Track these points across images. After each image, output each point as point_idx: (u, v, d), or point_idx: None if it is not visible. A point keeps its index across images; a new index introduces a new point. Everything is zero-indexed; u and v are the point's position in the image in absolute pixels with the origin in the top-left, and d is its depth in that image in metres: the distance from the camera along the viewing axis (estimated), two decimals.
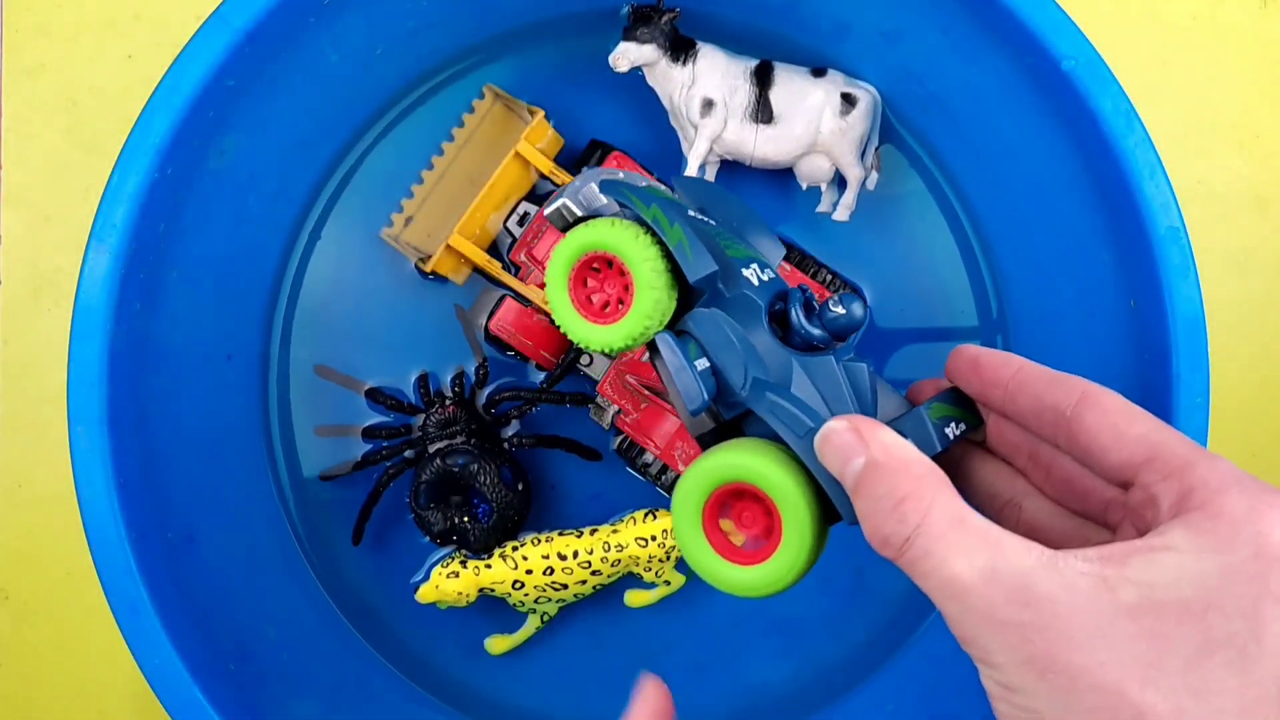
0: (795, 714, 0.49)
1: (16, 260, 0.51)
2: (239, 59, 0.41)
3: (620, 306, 0.32)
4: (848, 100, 0.47)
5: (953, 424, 0.31)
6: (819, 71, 0.47)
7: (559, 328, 0.34)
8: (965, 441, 0.33)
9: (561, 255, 0.33)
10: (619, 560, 0.47)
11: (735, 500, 0.29)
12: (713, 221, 0.33)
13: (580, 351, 0.48)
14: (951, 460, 0.33)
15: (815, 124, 0.46)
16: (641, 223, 0.32)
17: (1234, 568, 0.23)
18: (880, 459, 0.26)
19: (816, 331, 0.30)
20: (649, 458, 0.48)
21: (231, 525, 0.46)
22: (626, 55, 0.46)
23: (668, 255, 0.31)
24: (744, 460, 0.28)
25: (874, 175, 0.49)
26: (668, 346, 0.31)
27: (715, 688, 0.50)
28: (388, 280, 0.50)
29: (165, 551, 0.42)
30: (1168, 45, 0.53)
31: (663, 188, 0.35)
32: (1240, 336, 0.52)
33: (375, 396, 0.49)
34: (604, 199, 0.34)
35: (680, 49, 0.46)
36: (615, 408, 0.48)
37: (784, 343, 0.30)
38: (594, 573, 0.47)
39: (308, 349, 0.50)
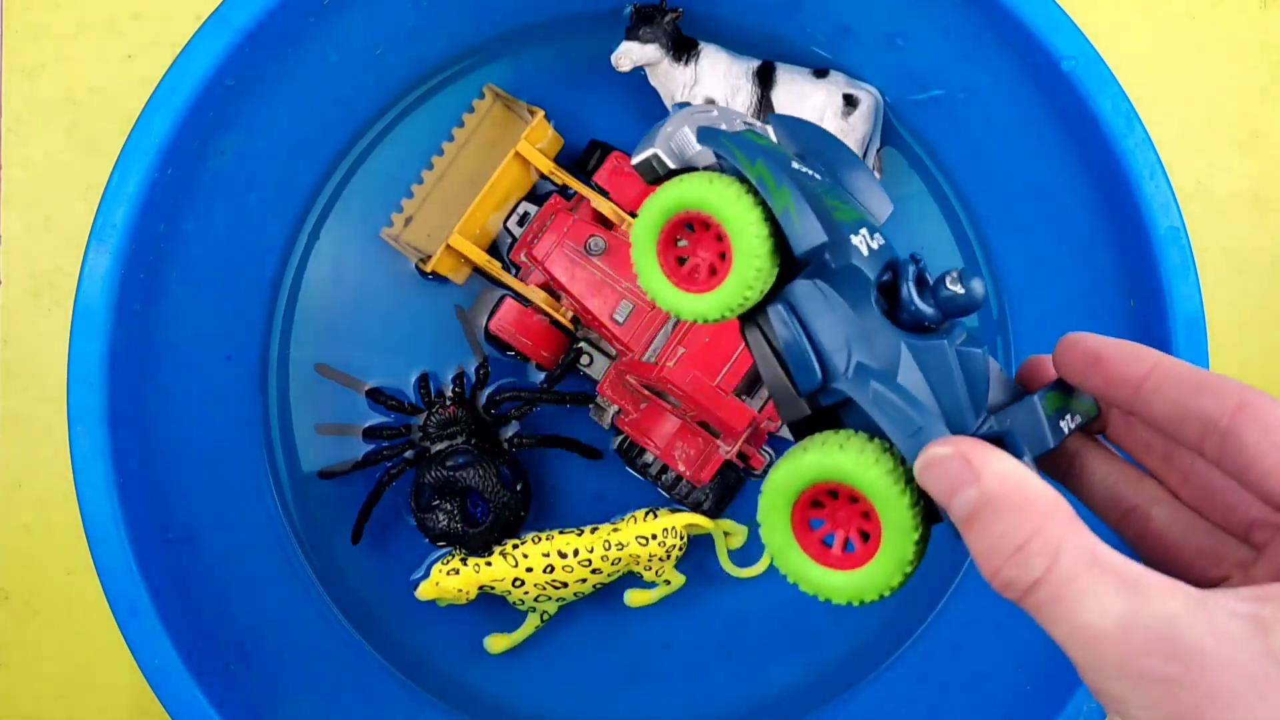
0: (795, 713, 0.49)
1: (16, 260, 0.51)
2: (239, 59, 0.41)
3: (714, 273, 0.28)
4: (849, 101, 0.47)
5: (1068, 416, 0.27)
6: (821, 72, 0.47)
7: (647, 293, 0.30)
8: (1081, 433, 0.28)
9: (651, 213, 0.29)
10: (619, 559, 0.47)
11: (828, 498, 0.27)
12: (817, 175, 0.29)
13: (580, 351, 0.48)
14: (1065, 454, 0.29)
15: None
16: (743, 179, 0.28)
17: None
18: (995, 492, 0.23)
19: (929, 310, 0.26)
20: (649, 457, 0.48)
21: (231, 525, 0.46)
22: (629, 55, 0.46)
23: (771, 219, 0.28)
24: (844, 463, 0.25)
25: (875, 177, 0.49)
26: (780, 320, 0.28)
27: (716, 687, 0.50)
28: (388, 280, 0.50)
29: (165, 551, 0.42)
30: (1168, 45, 0.53)
31: (761, 126, 0.31)
32: (1240, 336, 0.52)
33: (376, 397, 0.49)
34: (698, 147, 0.30)
35: (682, 49, 0.46)
36: (615, 407, 0.48)
37: (891, 319, 0.27)
38: (594, 571, 0.47)
39: (308, 349, 0.49)
